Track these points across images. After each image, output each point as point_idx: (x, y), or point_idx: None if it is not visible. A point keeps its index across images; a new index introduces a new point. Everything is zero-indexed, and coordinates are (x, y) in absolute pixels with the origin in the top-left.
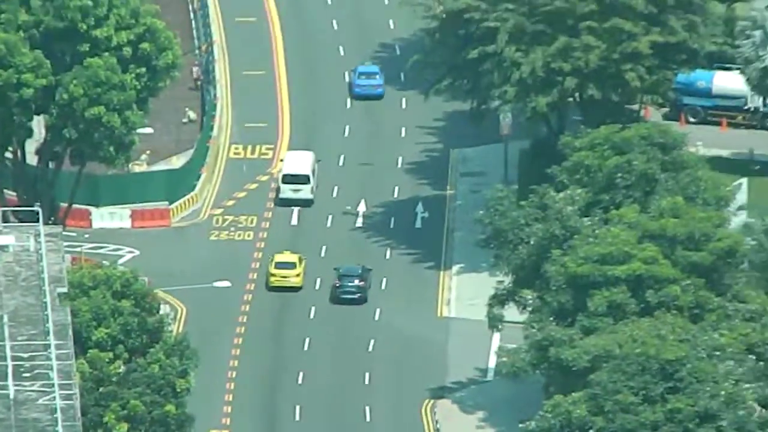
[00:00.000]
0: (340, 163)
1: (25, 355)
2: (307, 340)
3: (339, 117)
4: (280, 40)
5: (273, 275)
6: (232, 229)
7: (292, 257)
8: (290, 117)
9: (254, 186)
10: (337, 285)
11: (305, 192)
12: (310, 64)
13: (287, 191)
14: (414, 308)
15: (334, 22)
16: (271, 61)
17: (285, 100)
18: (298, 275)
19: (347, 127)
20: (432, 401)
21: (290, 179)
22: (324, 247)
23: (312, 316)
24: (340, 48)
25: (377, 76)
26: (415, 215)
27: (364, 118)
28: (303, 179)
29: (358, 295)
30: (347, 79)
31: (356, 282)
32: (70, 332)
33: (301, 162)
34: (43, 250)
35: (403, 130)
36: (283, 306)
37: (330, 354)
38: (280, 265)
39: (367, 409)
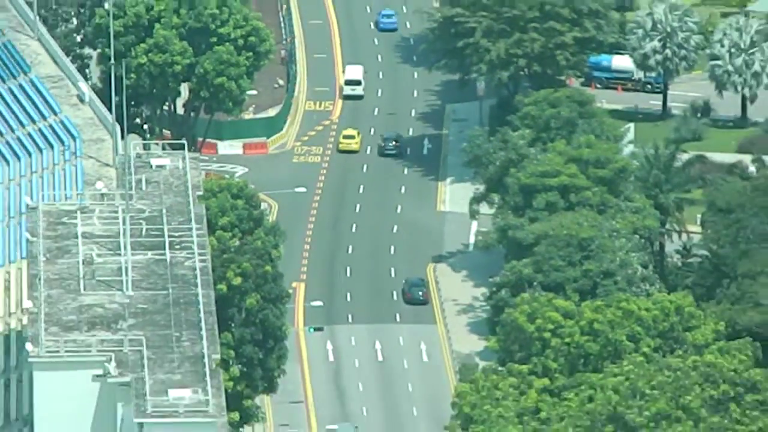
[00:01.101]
0: (380, 77)
1: (176, 234)
2: (358, 206)
3: (372, 49)
4: (337, 35)
5: (341, 143)
6: (307, 155)
7: (352, 131)
8: (342, 57)
9: (320, 128)
10: (382, 144)
11: (358, 90)
12: (354, 41)
13: (348, 90)
14: (422, 204)
15: (371, 23)
16: (331, 49)
17: (339, 71)
18: (356, 143)
19: (379, 56)
20: (433, 264)
21: (349, 82)
22: (372, 128)
23: (365, 170)
24: (375, 39)
25: (393, 17)
26: (422, 146)
27: (388, 51)
28: (356, 82)
29: (396, 151)
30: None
31: (393, 143)
32: (204, 220)
33: (355, 71)
34: (187, 168)
35: (415, 92)
36: (347, 168)
37: (368, 235)
38: (346, 137)
39: (392, 269)
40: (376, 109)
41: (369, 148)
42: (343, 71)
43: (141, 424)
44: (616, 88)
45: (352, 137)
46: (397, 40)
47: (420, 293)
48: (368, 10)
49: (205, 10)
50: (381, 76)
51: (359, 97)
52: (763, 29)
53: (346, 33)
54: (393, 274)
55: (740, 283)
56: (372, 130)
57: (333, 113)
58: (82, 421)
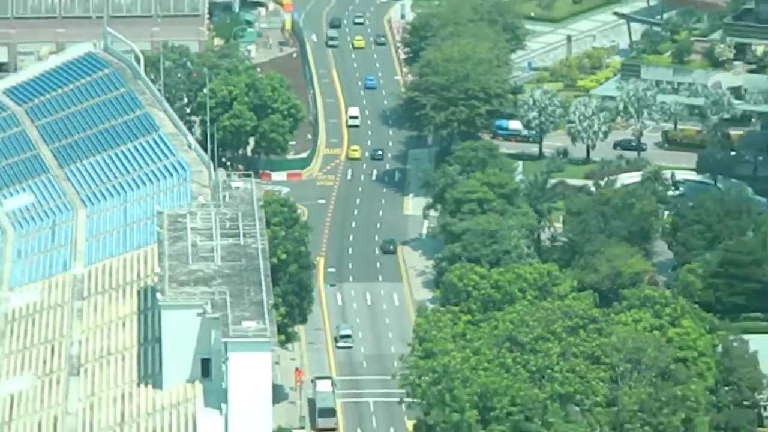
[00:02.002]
0: (366, 113)
1: (247, 228)
2: (355, 211)
3: (361, 98)
4: (339, 90)
5: (349, 153)
6: (325, 180)
7: (356, 146)
8: (344, 102)
9: (333, 165)
10: (372, 154)
11: (357, 122)
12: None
13: (350, 122)
14: (394, 210)
15: (360, 83)
16: (336, 98)
17: (344, 129)
18: (358, 153)
19: (365, 102)
20: (401, 246)
21: (351, 117)
22: (368, 143)
23: (360, 190)
24: (362, 92)
25: (373, 80)
26: (395, 175)
27: (371, 101)
28: (355, 117)
29: (381, 157)
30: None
31: (379, 153)
32: (263, 220)
33: (354, 111)
34: (253, 188)
35: (390, 143)
36: (354, 165)
37: (362, 228)
38: (352, 149)
39: (376, 248)
40: (369, 132)
41: (367, 153)
42: (346, 111)
43: (225, 343)
44: (511, 140)
45: (356, 150)
46: (376, 94)
47: (391, 247)
48: (357, 75)
49: (264, 93)
50: (368, 113)
51: (357, 126)
52: (598, 105)
53: (346, 89)
54: (377, 252)
55: (585, 257)
56: (369, 142)
57: (340, 155)
58: (191, 340)
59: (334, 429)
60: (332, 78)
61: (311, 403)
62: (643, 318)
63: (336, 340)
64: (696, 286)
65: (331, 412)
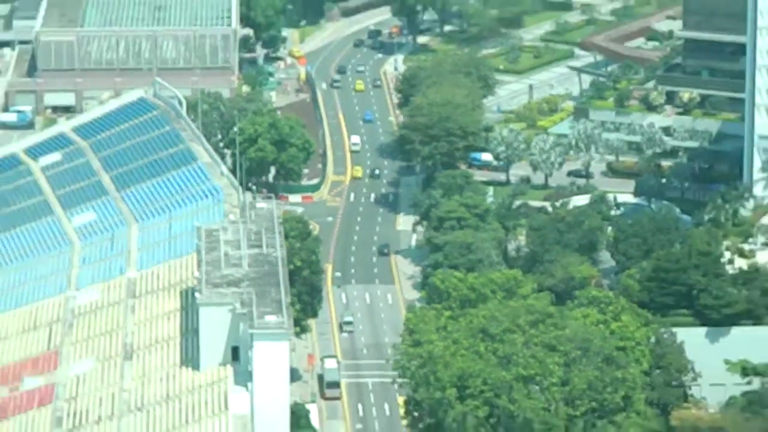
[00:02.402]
0: (364, 139)
1: (268, 240)
2: (357, 227)
3: (360, 129)
4: (343, 122)
5: (352, 173)
6: (333, 202)
7: (358, 167)
8: (347, 131)
9: (339, 189)
10: (371, 172)
11: (358, 147)
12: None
13: (353, 147)
14: (388, 226)
15: (360, 117)
16: (340, 130)
17: (348, 160)
18: (360, 172)
19: (363, 131)
20: (393, 255)
21: (353, 143)
22: (368, 162)
23: (361, 210)
24: (361, 124)
25: (370, 115)
26: (389, 197)
27: (369, 132)
28: (356, 144)
29: (378, 176)
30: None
31: (376, 172)
32: (282, 233)
33: (355, 138)
34: (274, 208)
35: (385, 171)
36: (356, 189)
37: (362, 240)
38: (355, 169)
39: (373, 258)
40: (368, 154)
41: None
42: (349, 138)
43: (251, 333)
44: (483, 170)
45: (358, 170)
46: (374, 127)
47: (385, 250)
48: (358, 112)
49: (282, 131)
50: (366, 141)
51: (358, 151)
52: (554, 141)
53: (349, 123)
54: (374, 260)
55: (544, 264)
56: (368, 162)
57: (344, 181)
58: (223, 331)
59: (338, 398)
60: (338, 119)
61: (320, 377)
62: (590, 314)
63: (341, 327)
64: (634, 288)
65: (336, 385)
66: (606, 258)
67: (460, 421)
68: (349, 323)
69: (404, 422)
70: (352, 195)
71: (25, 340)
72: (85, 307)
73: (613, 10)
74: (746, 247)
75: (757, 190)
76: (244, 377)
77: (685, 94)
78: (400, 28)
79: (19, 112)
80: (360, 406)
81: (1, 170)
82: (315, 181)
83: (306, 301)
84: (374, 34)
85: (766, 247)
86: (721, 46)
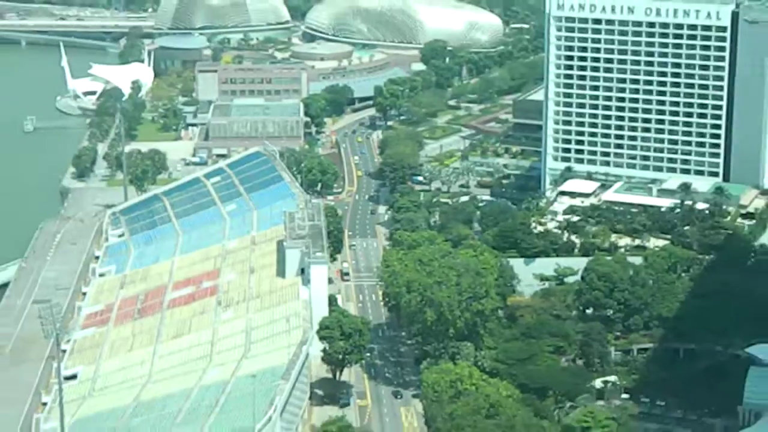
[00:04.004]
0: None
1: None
2: (359, 212)
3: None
4: (354, 166)
5: (357, 175)
6: (348, 199)
7: (360, 171)
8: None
9: (350, 194)
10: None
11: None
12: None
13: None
14: (372, 211)
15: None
16: (351, 174)
17: (355, 179)
18: (361, 173)
19: (359, 163)
20: (376, 225)
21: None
22: (362, 172)
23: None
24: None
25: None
26: (373, 197)
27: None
28: (357, 162)
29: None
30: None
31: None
32: (323, 212)
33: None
34: (320, 203)
35: (372, 185)
36: (358, 194)
37: (361, 216)
38: (358, 172)
39: (367, 224)
40: (363, 168)
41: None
42: (353, 161)
43: (309, 262)
44: (418, 186)
45: (360, 173)
46: (365, 158)
47: (373, 213)
48: (357, 148)
49: (323, 166)
50: (360, 165)
51: (358, 163)
52: (452, 171)
53: (353, 153)
54: (367, 227)
55: (448, 228)
56: (362, 172)
57: (353, 190)
58: (296, 260)
59: (349, 281)
60: (351, 163)
61: (341, 272)
62: (469, 252)
63: (341, 273)
64: (489, 241)
65: (348, 275)
66: (476, 227)
67: (408, 303)
68: (347, 273)
69: (382, 304)
70: (357, 196)
71: (203, 264)
72: (231, 249)
73: (481, 108)
74: (542, 220)
75: (548, 194)
76: (306, 282)
77: (514, 148)
78: (379, 118)
79: (200, 157)
80: (360, 296)
81: (191, 184)
82: (339, 189)
83: (335, 247)
84: (368, 120)
85: (553, 219)
86: (532, 128)
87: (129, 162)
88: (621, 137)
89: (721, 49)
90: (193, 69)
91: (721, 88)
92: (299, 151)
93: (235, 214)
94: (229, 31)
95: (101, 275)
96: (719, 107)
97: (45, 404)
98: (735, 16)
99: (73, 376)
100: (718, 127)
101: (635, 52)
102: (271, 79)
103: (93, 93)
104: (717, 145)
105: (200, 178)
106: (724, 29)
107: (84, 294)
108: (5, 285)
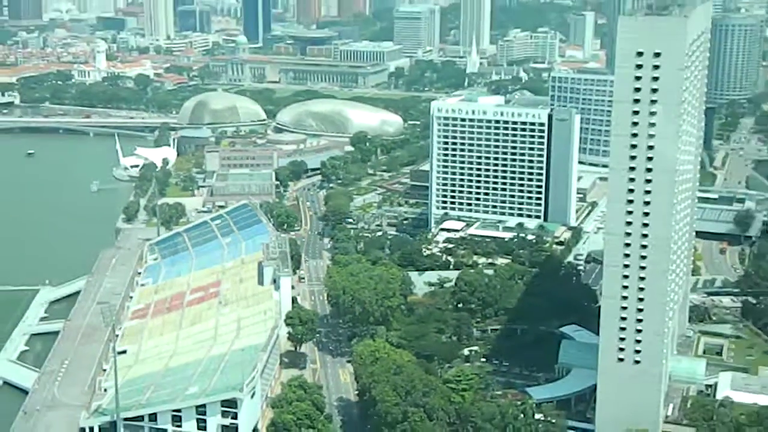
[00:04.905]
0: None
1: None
2: (312, 239)
3: None
4: (308, 215)
5: (304, 230)
6: (305, 234)
7: (312, 212)
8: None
9: (306, 231)
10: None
11: None
12: None
13: None
14: (321, 242)
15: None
16: (306, 217)
17: (309, 221)
18: (307, 230)
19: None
20: (323, 251)
21: None
22: (307, 229)
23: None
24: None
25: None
26: (321, 233)
27: None
28: None
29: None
30: None
31: None
32: (288, 243)
33: None
34: (286, 237)
35: (320, 226)
36: (311, 231)
37: (313, 245)
38: (310, 215)
39: (320, 249)
40: (313, 219)
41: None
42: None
43: (279, 274)
44: (350, 225)
45: (311, 214)
46: (314, 208)
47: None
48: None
49: (288, 213)
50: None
51: (310, 207)
52: (371, 216)
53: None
54: (318, 250)
55: (370, 252)
56: (314, 222)
57: (308, 227)
58: (270, 273)
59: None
60: (305, 210)
61: (300, 277)
62: (382, 268)
63: (299, 277)
64: (394, 260)
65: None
66: (387, 252)
67: (343, 301)
68: (303, 278)
69: (326, 302)
70: (310, 232)
71: (209, 277)
72: (228, 267)
73: (389, 175)
74: (429, 247)
75: (433, 230)
76: (277, 288)
77: (411, 201)
78: (323, 182)
79: (207, 208)
80: (312, 297)
81: (201, 225)
82: (298, 228)
83: (296, 265)
84: (317, 183)
85: (436, 246)
86: (422, 188)
87: (160, 211)
88: (479, 193)
89: (542, 136)
90: (202, 150)
91: (542, 161)
92: (272, 204)
93: (230, 245)
94: (226, 125)
95: (142, 285)
96: (541, 174)
97: (104, 370)
98: (550, 117)
99: (123, 352)
100: (540, 187)
101: (488, 138)
102: (254, 157)
103: (137, 166)
104: (540, 198)
105: (207, 221)
106: (543, 124)
107: (131, 297)
108: (78, 292)
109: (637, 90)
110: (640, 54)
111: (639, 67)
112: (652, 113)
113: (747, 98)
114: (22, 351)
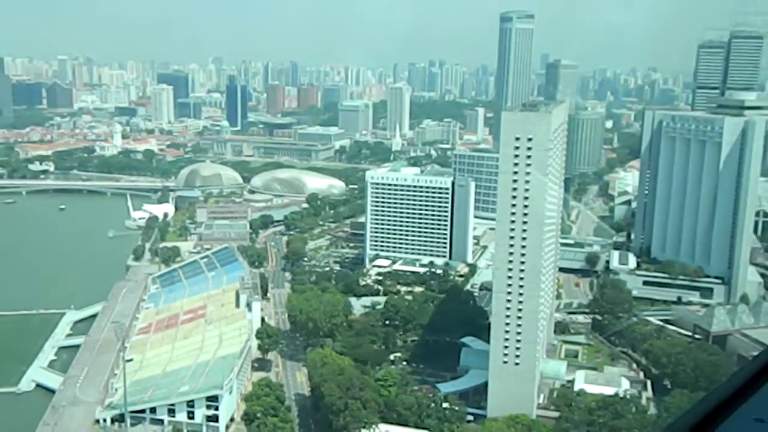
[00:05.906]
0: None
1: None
2: (276, 274)
3: None
4: (275, 258)
5: (270, 266)
6: (272, 269)
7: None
8: None
9: (272, 268)
10: None
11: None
12: None
13: None
14: (283, 275)
15: None
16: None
17: (272, 258)
18: (273, 267)
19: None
20: (285, 282)
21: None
22: (273, 265)
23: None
24: None
25: None
26: (283, 268)
27: None
28: None
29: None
30: None
31: None
32: (258, 276)
33: None
34: (257, 273)
35: (282, 262)
36: (276, 269)
37: (278, 277)
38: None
39: (281, 279)
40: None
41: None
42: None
43: (251, 300)
44: (312, 264)
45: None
46: (278, 250)
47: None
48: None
49: (260, 254)
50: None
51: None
52: (326, 254)
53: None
54: (282, 281)
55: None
56: (280, 259)
57: (273, 265)
58: (245, 299)
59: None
60: (272, 251)
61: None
62: (332, 294)
63: (268, 298)
64: (339, 286)
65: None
66: (334, 282)
67: (300, 319)
68: (268, 299)
69: (288, 321)
70: (275, 268)
71: (198, 302)
72: (212, 294)
73: (335, 225)
74: (365, 279)
75: (368, 266)
76: (250, 310)
77: (351, 244)
78: (286, 230)
79: (198, 250)
80: (276, 317)
81: (193, 263)
82: (266, 265)
83: (264, 292)
84: (282, 231)
85: (370, 278)
86: (360, 235)
87: (161, 252)
88: (401, 239)
89: (447, 198)
90: (194, 206)
91: (447, 215)
92: (246, 246)
93: (214, 277)
94: (212, 188)
95: (146, 308)
96: (446, 225)
97: (116, 374)
98: (453, 183)
99: (131, 360)
100: (446, 234)
101: (408, 198)
102: (233, 211)
103: (143, 218)
104: (446, 242)
105: (197, 260)
106: (448, 189)
107: (137, 318)
108: (96, 314)
109: (516, 164)
110: (517, 138)
111: (517, 147)
112: (527, 181)
113: (593, 171)
114: (51, 360)
